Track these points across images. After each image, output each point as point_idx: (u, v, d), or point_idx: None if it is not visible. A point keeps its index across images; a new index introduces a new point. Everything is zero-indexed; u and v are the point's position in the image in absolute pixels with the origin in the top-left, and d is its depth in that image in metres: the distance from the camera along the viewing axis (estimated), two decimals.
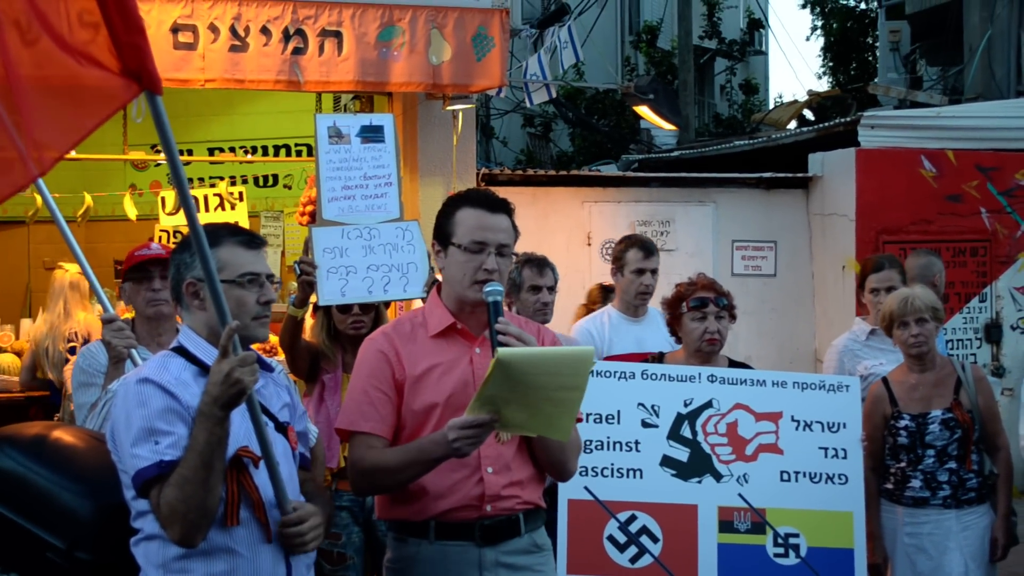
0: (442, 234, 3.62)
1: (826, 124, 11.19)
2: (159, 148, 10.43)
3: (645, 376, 4.95)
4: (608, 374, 4.93)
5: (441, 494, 3.49)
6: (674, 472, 4.85)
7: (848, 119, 10.32)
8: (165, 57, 6.82)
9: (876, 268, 6.06)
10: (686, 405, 4.91)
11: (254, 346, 3.26)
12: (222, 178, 10.95)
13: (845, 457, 4.96)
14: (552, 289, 5.68)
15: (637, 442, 4.86)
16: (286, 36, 7.12)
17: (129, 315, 4.99)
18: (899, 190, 9.45)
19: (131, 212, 10.17)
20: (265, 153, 11.70)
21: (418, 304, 5.64)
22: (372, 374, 3.57)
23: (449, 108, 8.19)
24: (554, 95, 12.43)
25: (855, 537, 4.89)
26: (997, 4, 13.32)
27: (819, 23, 31.84)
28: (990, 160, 9.62)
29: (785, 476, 4.91)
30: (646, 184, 10.15)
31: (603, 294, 8.47)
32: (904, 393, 5.36)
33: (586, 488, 4.73)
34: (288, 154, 11.75)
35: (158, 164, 11.15)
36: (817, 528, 4.86)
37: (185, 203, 2.95)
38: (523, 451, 3.59)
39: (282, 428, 3.34)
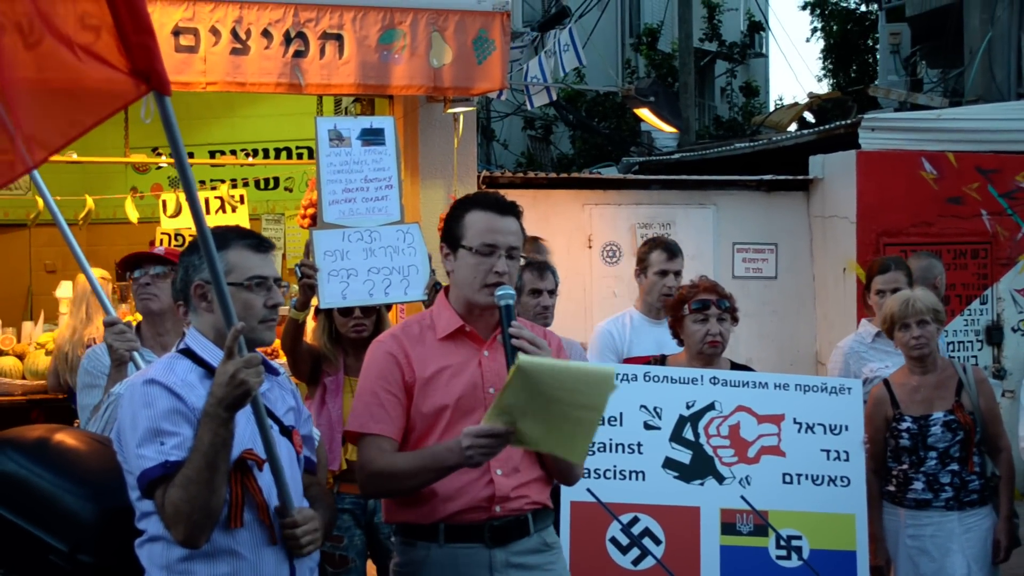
0: (451, 237, 3.62)
1: (826, 126, 11.18)
2: (160, 151, 10.53)
3: (647, 378, 4.95)
4: None
5: (450, 496, 3.48)
6: (676, 474, 4.85)
7: (848, 121, 10.31)
8: (166, 60, 6.74)
9: (882, 270, 6.05)
10: (688, 407, 4.91)
11: (258, 349, 3.26)
12: (223, 181, 10.96)
13: (847, 459, 4.96)
14: (553, 293, 5.68)
15: (639, 444, 4.87)
16: (287, 39, 7.12)
17: (131, 318, 5.00)
18: (900, 192, 9.44)
19: (132, 215, 10.18)
20: (266, 156, 11.71)
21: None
22: (381, 376, 3.57)
23: (450, 111, 8.19)
24: (555, 98, 12.44)
25: (857, 539, 4.89)
26: (997, 6, 13.33)
27: (819, 25, 31.86)
28: (991, 162, 9.61)
29: (787, 478, 4.91)
30: (647, 187, 10.15)
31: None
32: (906, 395, 5.36)
33: (588, 490, 4.74)
34: (289, 157, 11.76)
35: (159, 167, 11.17)
36: (819, 530, 4.87)
37: (193, 205, 2.96)
38: (531, 453, 3.58)
39: (286, 431, 3.34)
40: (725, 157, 12.97)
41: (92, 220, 10.37)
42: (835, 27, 30.58)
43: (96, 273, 4.54)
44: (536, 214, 9.42)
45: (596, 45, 19.75)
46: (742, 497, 4.85)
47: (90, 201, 10.18)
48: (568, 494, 4.69)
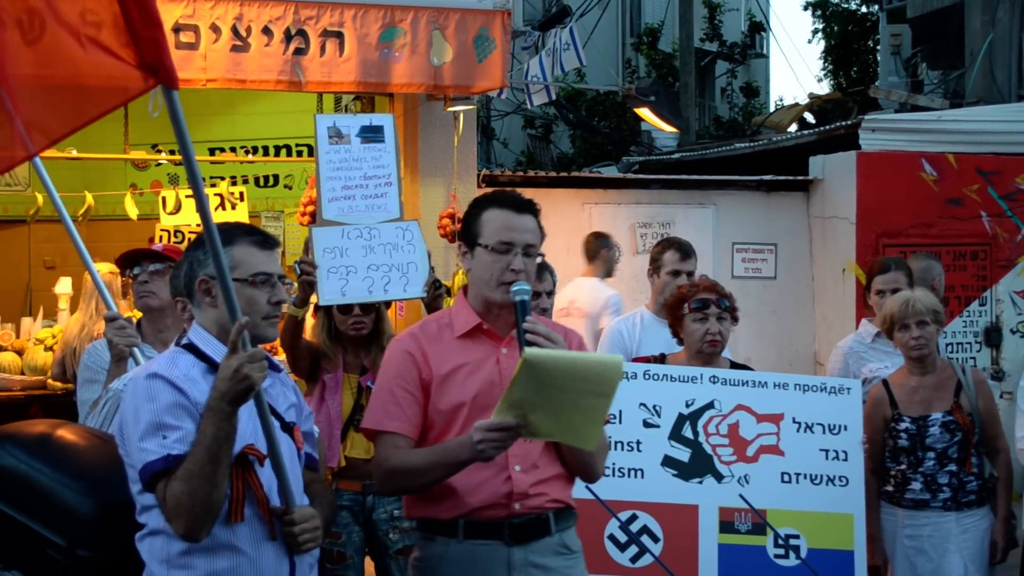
0: (469, 235, 3.64)
1: (827, 127, 11.19)
2: (160, 148, 10.51)
3: (647, 376, 4.95)
4: None
5: (469, 492, 3.48)
6: (675, 472, 4.85)
7: (849, 122, 10.32)
8: None
9: (882, 270, 6.06)
10: (688, 406, 4.91)
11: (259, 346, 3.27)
12: (223, 178, 10.95)
13: (846, 459, 4.96)
14: (551, 294, 5.67)
15: (639, 442, 4.87)
16: (288, 36, 7.12)
17: (131, 314, 5.00)
18: (900, 193, 9.45)
19: (132, 211, 10.17)
20: (266, 153, 11.71)
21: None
22: (399, 374, 3.59)
23: (450, 109, 8.19)
24: (554, 97, 12.44)
25: (855, 539, 4.90)
26: (998, 8, 13.33)
27: (820, 26, 31.89)
28: (991, 164, 9.62)
29: (786, 477, 4.91)
30: (646, 186, 10.15)
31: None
32: (904, 396, 5.36)
33: (587, 487, 4.74)
34: (289, 154, 11.75)
35: (159, 164, 11.16)
36: (817, 529, 4.87)
37: (199, 200, 2.98)
38: (551, 449, 3.59)
39: (288, 428, 3.35)
40: (725, 157, 12.98)
41: (92, 216, 10.36)
42: (836, 28, 30.60)
43: (104, 268, 4.54)
44: None
45: (597, 44, 19.75)
46: (741, 496, 4.85)
47: (90, 197, 10.18)
48: None
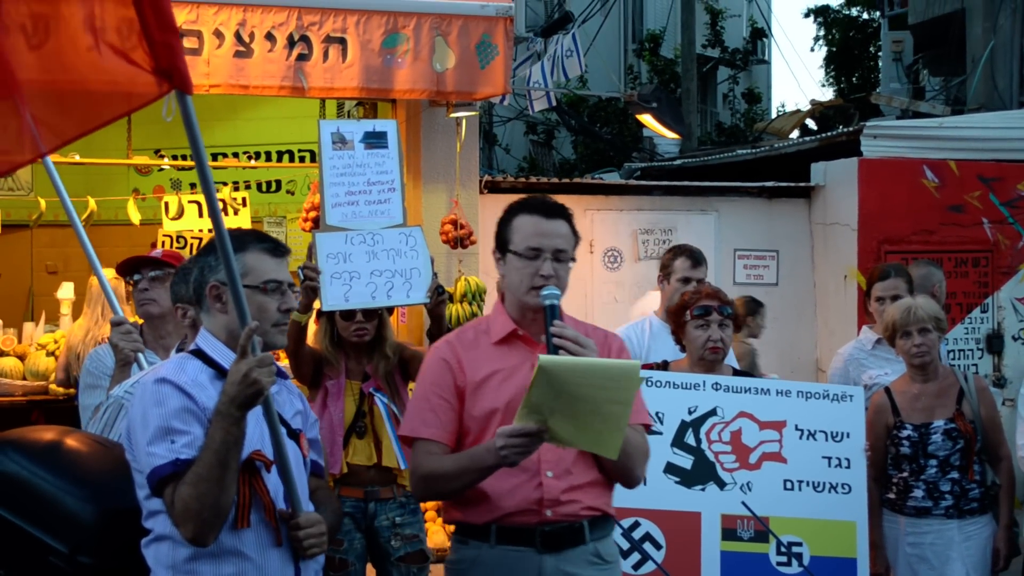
0: (501, 241, 3.68)
1: (828, 134, 11.19)
2: (163, 153, 10.49)
3: (649, 383, 4.95)
4: None
5: (501, 497, 3.50)
6: (678, 479, 4.85)
7: (850, 129, 10.31)
8: None
9: (882, 277, 6.06)
10: (690, 413, 4.91)
11: None
12: (225, 183, 10.94)
13: (848, 467, 4.96)
14: None
15: None
16: (291, 42, 7.12)
17: (134, 319, 5.00)
18: (901, 200, 9.44)
19: (134, 216, 10.18)
20: (268, 159, 11.71)
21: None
22: (434, 381, 3.62)
23: (452, 115, 8.19)
24: (554, 103, 12.43)
25: (858, 546, 4.90)
26: (1000, 15, 13.34)
27: (822, 33, 31.90)
28: (992, 171, 9.61)
29: (788, 485, 4.91)
30: (648, 192, 10.15)
31: (749, 307, 8.45)
32: (907, 403, 5.36)
33: None
34: (291, 160, 11.75)
35: (161, 169, 11.17)
36: (820, 537, 4.87)
37: (211, 205, 2.99)
38: (586, 455, 3.57)
39: (294, 434, 3.37)
40: (727, 163, 12.97)
41: (94, 222, 10.34)
42: (837, 35, 30.61)
43: (107, 274, 4.55)
44: None
45: (599, 50, 19.77)
46: (743, 503, 4.85)
47: (92, 203, 10.17)
48: None
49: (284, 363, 5.50)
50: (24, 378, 8.47)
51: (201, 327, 3.38)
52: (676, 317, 5.15)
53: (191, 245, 9.12)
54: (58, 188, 4.09)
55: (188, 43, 6.99)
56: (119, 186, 11.50)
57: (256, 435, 3.18)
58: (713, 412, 4.93)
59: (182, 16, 6.95)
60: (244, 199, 10.08)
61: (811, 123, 19.10)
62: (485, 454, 3.38)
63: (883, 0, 21.49)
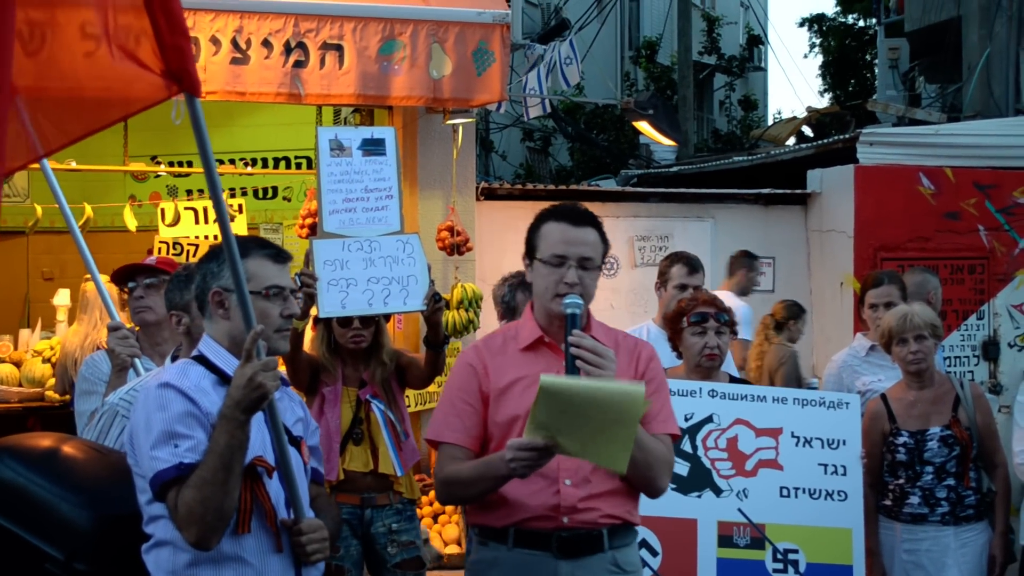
0: (530, 249, 3.71)
1: (825, 141, 11.21)
2: (159, 159, 10.47)
3: None
4: None
5: (519, 502, 3.51)
6: (674, 486, 4.83)
7: (847, 136, 10.33)
8: None
9: (875, 283, 6.07)
10: (687, 420, 4.90)
11: None
12: (222, 190, 10.94)
13: (845, 474, 4.96)
14: None
15: None
16: (287, 49, 7.12)
17: (130, 326, 5.00)
18: (897, 207, 9.46)
19: (131, 223, 10.16)
20: (265, 165, 11.69)
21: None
22: (460, 386, 3.66)
23: (449, 122, 8.20)
24: (548, 110, 12.43)
25: (854, 554, 4.89)
26: (996, 22, 13.37)
27: (817, 40, 31.94)
28: (988, 178, 9.63)
29: (785, 492, 4.91)
30: (645, 199, 10.16)
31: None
32: (903, 410, 5.37)
33: None
34: (288, 166, 11.74)
35: (158, 175, 11.15)
36: (816, 544, 4.86)
37: (219, 210, 3.02)
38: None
39: (295, 442, 3.39)
40: (723, 170, 12.99)
41: (90, 228, 10.33)
42: (833, 43, 30.66)
43: (104, 279, 4.55)
44: None
45: (595, 57, 19.79)
46: (739, 510, 4.85)
47: (88, 209, 10.16)
48: None
49: (280, 369, 5.50)
50: (20, 385, 8.46)
51: (204, 333, 3.40)
52: (673, 324, 5.15)
53: (187, 252, 9.11)
54: (56, 194, 4.10)
55: None
56: (115, 192, 11.48)
57: (258, 441, 3.19)
58: (709, 419, 4.92)
59: None
60: (240, 206, 10.08)
61: (807, 130, 19.13)
62: (499, 463, 3.40)
63: (879, 7, 21.52)
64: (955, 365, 9.50)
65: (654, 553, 4.74)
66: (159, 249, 9.17)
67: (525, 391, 3.56)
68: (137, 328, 4.91)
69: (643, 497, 4.62)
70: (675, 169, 15.17)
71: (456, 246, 7.94)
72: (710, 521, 4.82)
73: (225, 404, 3.05)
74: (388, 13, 7.32)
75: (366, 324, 5.35)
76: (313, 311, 5.28)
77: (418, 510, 6.01)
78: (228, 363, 3.25)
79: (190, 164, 11.35)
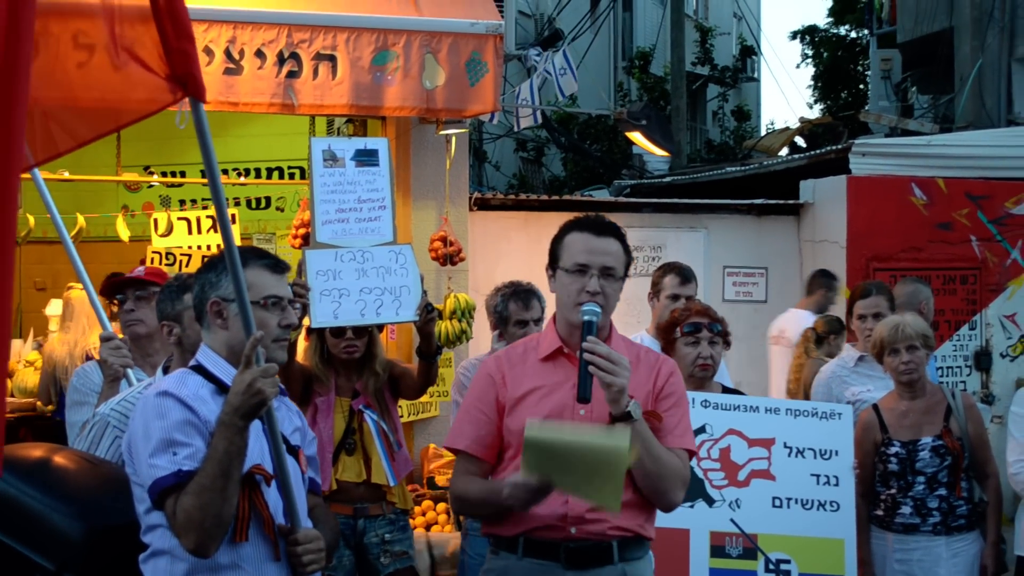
0: (553, 258, 3.72)
1: (817, 151, 11.24)
2: (152, 169, 10.44)
3: None
4: None
5: (529, 511, 3.51)
6: None
7: (839, 146, 10.36)
8: None
9: (863, 294, 6.10)
10: None
11: None
12: (225, 197, 10.93)
13: (837, 484, 4.96)
14: (539, 321, 5.69)
15: None
16: (280, 59, 7.12)
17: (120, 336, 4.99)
18: (890, 217, 9.48)
19: (123, 233, 10.17)
20: (258, 175, 11.70)
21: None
22: (478, 395, 3.70)
23: (442, 132, 8.21)
24: (539, 120, 12.44)
25: (846, 564, 4.89)
26: (988, 33, 13.41)
27: (810, 52, 32.00)
28: (980, 188, 9.66)
29: (777, 502, 4.91)
30: (638, 209, 10.17)
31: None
32: (894, 420, 5.38)
33: None
34: (281, 176, 11.75)
35: (151, 185, 11.16)
36: (808, 554, 4.86)
37: (221, 219, 3.03)
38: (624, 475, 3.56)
39: (293, 451, 3.40)
40: (716, 181, 13.01)
41: (83, 238, 10.32)
42: (825, 54, 30.73)
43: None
44: (527, 236, 9.44)
45: (589, 68, 19.79)
46: (732, 520, 4.85)
47: (81, 219, 10.16)
48: None
49: None
50: (12, 395, 8.43)
51: (200, 343, 3.40)
52: (666, 334, 5.16)
53: (180, 262, 9.11)
54: (48, 205, 4.09)
55: None
56: (108, 203, 11.48)
57: (256, 450, 3.20)
58: (702, 429, 4.92)
59: None
60: (234, 216, 10.07)
61: (800, 141, 19.13)
62: (500, 494, 3.45)
63: (872, 18, 21.58)
64: (947, 375, 9.51)
65: None
66: (152, 259, 9.18)
67: (540, 401, 3.59)
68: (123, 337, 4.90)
69: None
70: (668, 179, 15.19)
71: (449, 256, 7.94)
72: (702, 531, 4.81)
73: (224, 410, 3.06)
74: (381, 24, 7.33)
75: (359, 334, 5.35)
76: (306, 321, 5.28)
77: (411, 520, 6.00)
78: (226, 372, 3.26)
79: (183, 174, 11.35)
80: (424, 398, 6.79)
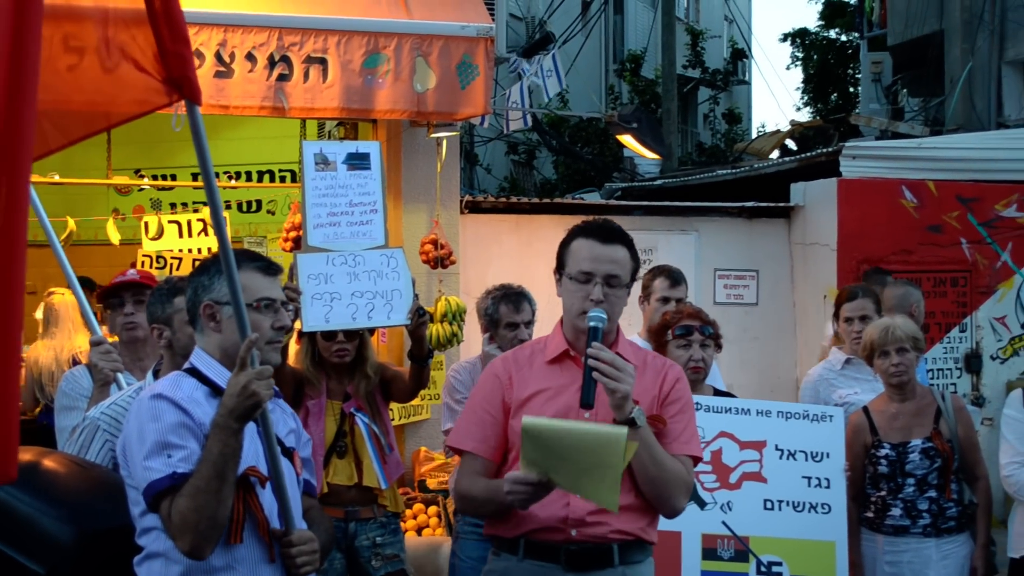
0: (559, 264, 3.73)
1: (808, 154, 11.25)
2: (142, 173, 10.40)
3: None
4: None
5: (530, 513, 3.52)
6: None
7: (830, 149, 10.38)
8: None
9: (850, 297, 6.11)
10: None
11: None
12: (206, 203, 10.90)
13: (828, 487, 4.97)
14: (529, 324, 5.69)
15: None
16: (271, 62, 7.12)
17: (115, 339, 4.99)
18: (880, 220, 9.50)
19: (114, 237, 10.13)
20: (249, 179, 11.67)
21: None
22: (484, 396, 3.71)
23: (433, 135, 8.20)
24: (529, 123, 12.44)
25: (837, 566, 4.90)
26: (978, 36, 13.45)
27: (800, 55, 32.06)
28: (971, 191, 9.69)
29: (769, 504, 4.91)
30: (629, 212, 10.18)
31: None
32: (885, 422, 5.38)
33: None
34: (272, 180, 11.72)
35: (141, 189, 11.12)
36: (800, 557, 4.87)
37: (216, 221, 3.03)
38: (626, 479, 3.53)
39: (287, 452, 3.40)
40: (707, 184, 13.02)
41: (74, 242, 10.30)
42: (815, 57, 30.79)
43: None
44: (518, 239, 9.45)
45: (580, 71, 19.84)
46: (723, 523, 4.85)
47: (71, 223, 10.12)
48: None
49: None
50: None
51: (194, 346, 3.41)
52: (658, 337, 5.16)
53: (171, 265, 9.08)
54: (37, 208, 4.08)
55: None
56: (99, 206, 11.43)
57: (251, 452, 3.20)
58: None
59: None
60: (225, 219, 10.05)
61: (791, 143, 19.19)
62: (501, 492, 3.45)
63: (862, 21, 21.61)
64: (938, 378, 9.53)
65: None
66: (142, 263, 9.15)
67: (545, 403, 3.60)
68: (113, 339, 4.90)
69: None
70: (659, 182, 15.20)
71: (440, 259, 7.94)
72: (694, 534, 4.82)
73: (219, 412, 3.07)
74: (372, 27, 7.32)
75: (350, 338, 5.35)
76: (297, 325, 5.28)
77: (402, 523, 6.00)
78: (220, 375, 3.26)
79: (174, 177, 11.32)
80: (415, 401, 6.80)
